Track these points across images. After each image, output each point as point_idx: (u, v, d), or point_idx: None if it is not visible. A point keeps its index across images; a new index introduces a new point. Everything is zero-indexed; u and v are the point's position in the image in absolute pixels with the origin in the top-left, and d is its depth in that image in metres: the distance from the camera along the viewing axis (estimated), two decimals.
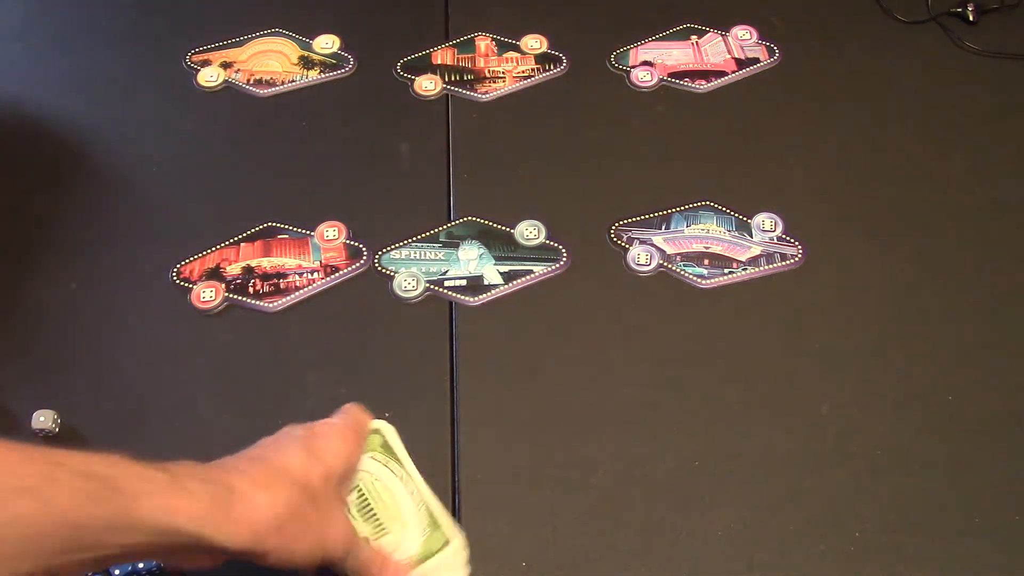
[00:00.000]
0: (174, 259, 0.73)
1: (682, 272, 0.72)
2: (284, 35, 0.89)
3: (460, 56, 0.87)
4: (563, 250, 0.73)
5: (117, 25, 0.90)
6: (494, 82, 0.85)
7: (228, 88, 0.84)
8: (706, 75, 0.85)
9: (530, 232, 0.74)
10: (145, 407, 0.65)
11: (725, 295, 0.71)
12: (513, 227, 0.75)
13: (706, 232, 0.74)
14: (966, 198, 0.77)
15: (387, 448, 0.58)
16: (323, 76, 0.85)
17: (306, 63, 0.86)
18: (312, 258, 0.73)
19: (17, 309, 0.70)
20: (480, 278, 0.72)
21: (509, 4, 0.91)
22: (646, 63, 0.86)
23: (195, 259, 0.73)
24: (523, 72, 0.85)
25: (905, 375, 0.67)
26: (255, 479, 0.48)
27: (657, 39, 0.88)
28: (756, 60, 0.86)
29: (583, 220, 0.75)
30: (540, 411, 0.65)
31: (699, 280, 0.72)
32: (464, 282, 0.72)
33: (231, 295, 0.71)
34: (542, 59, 0.86)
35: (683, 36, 0.89)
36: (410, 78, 0.85)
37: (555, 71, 0.86)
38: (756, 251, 0.73)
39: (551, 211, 0.75)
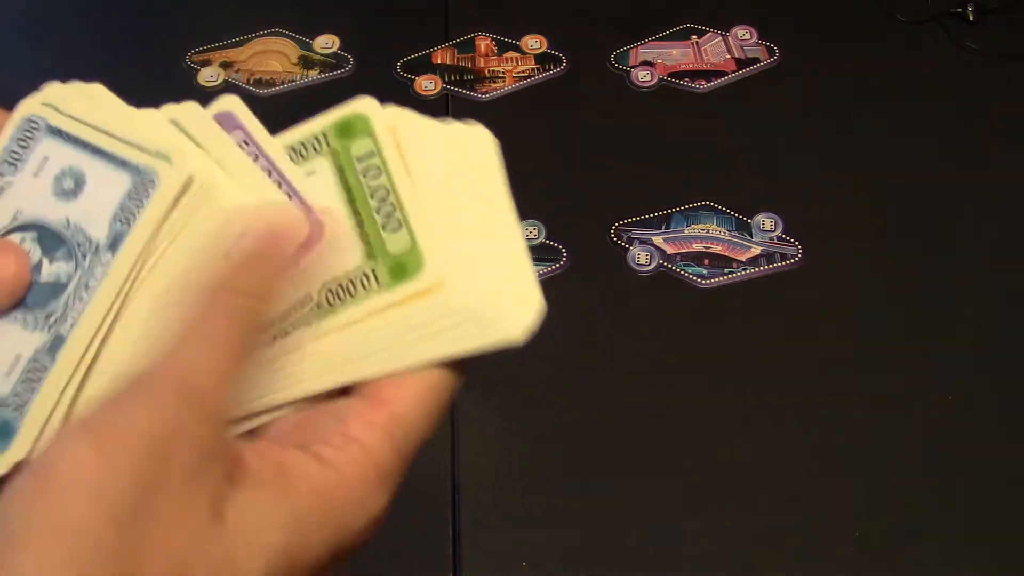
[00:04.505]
0: None
1: (682, 272, 0.72)
2: (284, 35, 0.89)
3: (460, 56, 0.87)
4: (563, 250, 0.73)
5: (117, 25, 0.90)
6: (494, 82, 0.85)
7: (228, 88, 0.84)
8: (706, 75, 0.85)
9: (530, 232, 0.74)
10: None
11: (725, 295, 0.71)
12: None
13: (706, 232, 0.74)
14: (966, 198, 0.77)
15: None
16: (323, 76, 0.85)
17: (306, 63, 0.86)
18: None
19: None
20: None
21: (509, 4, 0.91)
22: (646, 63, 0.86)
23: None
24: (523, 72, 0.85)
25: (905, 375, 0.67)
26: None
27: (657, 39, 0.88)
28: (756, 60, 0.86)
29: (583, 220, 0.75)
30: (540, 411, 0.65)
31: (699, 280, 0.72)
32: None
33: None
34: (542, 59, 0.86)
35: (683, 36, 0.89)
36: (410, 78, 0.85)
37: (555, 71, 0.86)
38: (756, 251, 0.73)
39: (551, 211, 0.75)
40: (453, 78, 0.85)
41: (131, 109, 0.30)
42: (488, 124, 0.35)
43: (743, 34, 0.88)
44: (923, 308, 0.70)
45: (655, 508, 0.61)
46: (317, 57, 0.87)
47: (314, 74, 0.85)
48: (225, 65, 0.86)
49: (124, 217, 0.28)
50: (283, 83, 0.84)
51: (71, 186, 0.29)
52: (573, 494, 0.62)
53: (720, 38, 0.88)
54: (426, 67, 0.86)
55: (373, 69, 0.86)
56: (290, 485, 0.26)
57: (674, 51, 0.87)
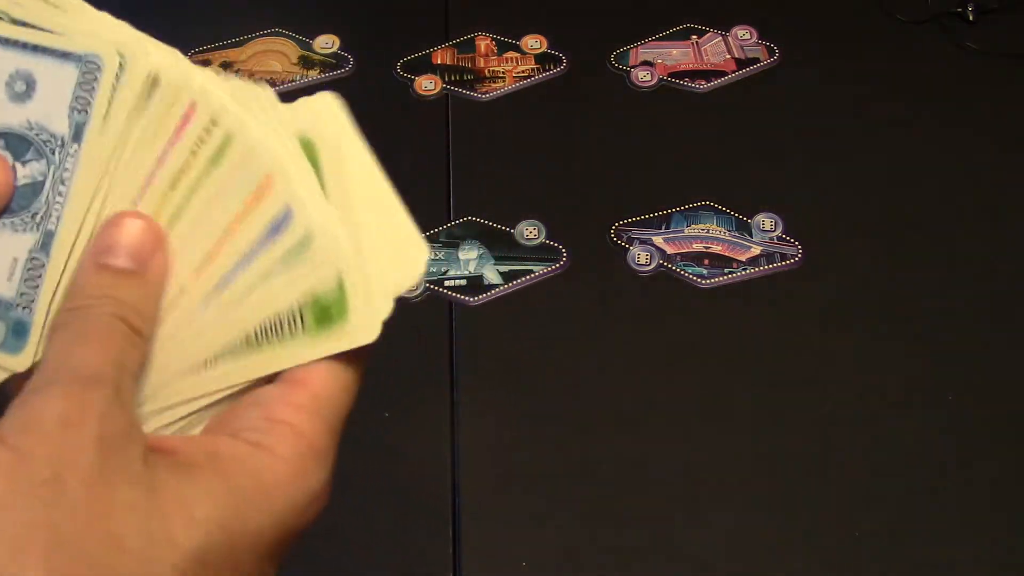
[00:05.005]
0: None
1: (682, 272, 0.72)
2: (284, 35, 0.89)
3: (460, 56, 0.87)
4: (563, 250, 0.73)
5: None
6: (494, 82, 0.85)
7: None
8: (706, 75, 0.85)
9: (530, 232, 0.74)
10: None
11: (725, 295, 0.71)
12: (513, 227, 0.75)
13: (706, 232, 0.74)
14: (966, 198, 0.77)
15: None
16: (323, 76, 0.85)
17: (306, 63, 0.86)
18: None
19: None
20: (480, 278, 0.72)
21: (509, 4, 0.91)
22: (646, 63, 0.86)
23: None
24: (523, 72, 0.85)
25: (905, 375, 0.67)
26: None
27: (657, 39, 0.88)
28: (756, 60, 0.86)
29: (583, 220, 0.75)
30: (540, 411, 0.65)
31: (699, 280, 0.72)
32: (464, 282, 0.72)
33: None
34: (542, 59, 0.86)
35: (683, 36, 0.89)
36: (410, 78, 0.85)
37: (555, 71, 0.86)
38: (756, 251, 0.73)
39: (551, 211, 0.75)
40: (453, 78, 0.85)
41: (84, 5, 0.30)
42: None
43: (743, 34, 0.88)
44: (923, 308, 0.70)
45: (655, 508, 0.61)
46: (317, 57, 0.87)
47: (314, 74, 0.85)
48: (225, 65, 0.86)
49: (80, 107, 0.29)
50: (283, 83, 0.84)
51: (23, 88, 0.29)
52: (573, 494, 0.62)
53: (720, 38, 0.88)
54: (426, 67, 0.86)
55: (373, 69, 0.86)
56: (224, 467, 0.26)
57: (674, 51, 0.87)
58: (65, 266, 0.29)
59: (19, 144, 0.29)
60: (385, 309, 0.31)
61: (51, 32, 0.29)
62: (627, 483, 0.62)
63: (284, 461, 0.27)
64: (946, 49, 0.87)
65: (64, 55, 0.29)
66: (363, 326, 0.30)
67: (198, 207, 0.30)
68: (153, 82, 0.29)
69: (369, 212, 0.31)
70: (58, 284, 0.29)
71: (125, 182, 0.29)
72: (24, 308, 0.30)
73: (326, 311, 0.29)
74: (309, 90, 0.34)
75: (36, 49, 0.29)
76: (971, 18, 0.89)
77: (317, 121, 0.31)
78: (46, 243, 0.29)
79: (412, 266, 0.31)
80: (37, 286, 0.29)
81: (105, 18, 0.30)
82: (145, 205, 0.29)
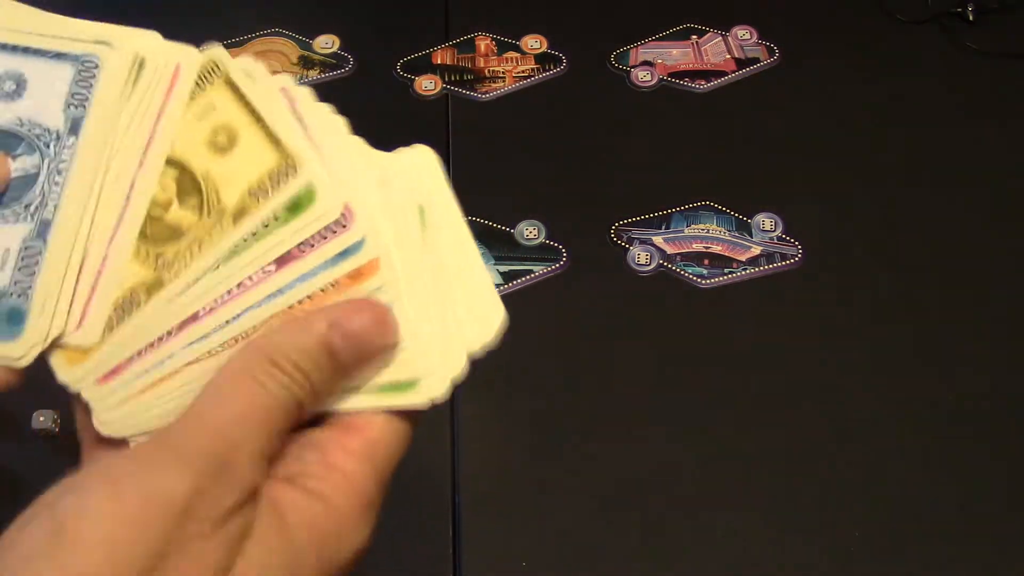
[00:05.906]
0: None
1: (682, 272, 0.72)
2: (284, 35, 0.89)
3: (460, 56, 0.87)
4: (563, 250, 0.73)
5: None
6: (494, 82, 0.85)
7: None
8: (706, 75, 0.85)
9: (530, 232, 0.74)
10: None
11: (725, 295, 0.71)
12: (513, 227, 0.75)
13: (706, 232, 0.74)
14: (966, 198, 0.77)
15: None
16: (323, 76, 0.85)
17: (306, 63, 0.86)
18: None
19: None
20: None
21: (509, 4, 0.91)
22: (646, 63, 0.86)
23: None
24: (523, 72, 0.85)
25: (905, 375, 0.67)
26: None
27: (657, 39, 0.88)
28: (756, 60, 0.86)
29: (583, 220, 0.75)
30: (540, 411, 0.65)
31: (699, 280, 0.72)
32: None
33: None
34: (542, 59, 0.86)
35: (683, 36, 0.89)
36: (410, 78, 0.85)
37: (555, 71, 0.86)
38: (756, 251, 0.73)
39: (551, 211, 0.75)
40: (453, 78, 0.85)
41: (63, 17, 0.32)
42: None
43: (743, 34, 0.88)
44: (923, 308, 0.70)
45: (655, 508, 0.61)
46: (317, 57, 0.87)
47: (314, 74, 0.85)
48: None
49: (77, 102, 0.30)
50: None
51: (12, 88, 0.31)
52: (573, 494, 0.62)
53: (720, 38, 0.88)
54: (426, 67, 0.86)
55: (373, 69, 0.85)
56: (283, 518, 0.27)
57: (674, 51, 0.87)
58: (70, 254, 0.30)
59: (9, 141, 0.30)
60: (457, 368, 0.31)
61: (40, 35, 0.31)
62: (627, 483, 0.62)
63: (338, 513, 0.28)
64: (946, 49, 0.87)
65: (58, 56, 0.31)
66: (434, 386, 0.31)
67: (272, 249, 0.30)
68: (139, 64, 0.31)
69: (456, 272, 0.32)
70: (65, 271, 0.30)
71: (123, 160, 0.30)
72: (19, 296, 0.30)
73: (395, 385, 0.30)
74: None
75: (28, 51, 0.31)
76: (971, 18, 0.89)
77: (419, 180, 0.33)
78: (42, 231, 0.30)
79: (488, 327, 0.33)
80: (33, 273, 0.30)
81: (88, 22, 0.32)
82: (146, 177, 0.30)
